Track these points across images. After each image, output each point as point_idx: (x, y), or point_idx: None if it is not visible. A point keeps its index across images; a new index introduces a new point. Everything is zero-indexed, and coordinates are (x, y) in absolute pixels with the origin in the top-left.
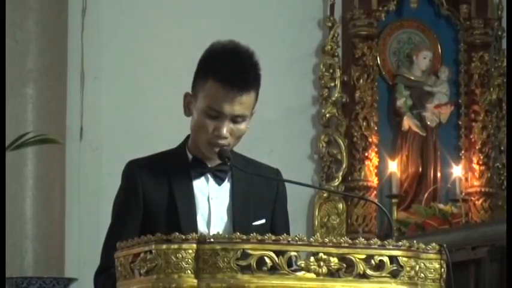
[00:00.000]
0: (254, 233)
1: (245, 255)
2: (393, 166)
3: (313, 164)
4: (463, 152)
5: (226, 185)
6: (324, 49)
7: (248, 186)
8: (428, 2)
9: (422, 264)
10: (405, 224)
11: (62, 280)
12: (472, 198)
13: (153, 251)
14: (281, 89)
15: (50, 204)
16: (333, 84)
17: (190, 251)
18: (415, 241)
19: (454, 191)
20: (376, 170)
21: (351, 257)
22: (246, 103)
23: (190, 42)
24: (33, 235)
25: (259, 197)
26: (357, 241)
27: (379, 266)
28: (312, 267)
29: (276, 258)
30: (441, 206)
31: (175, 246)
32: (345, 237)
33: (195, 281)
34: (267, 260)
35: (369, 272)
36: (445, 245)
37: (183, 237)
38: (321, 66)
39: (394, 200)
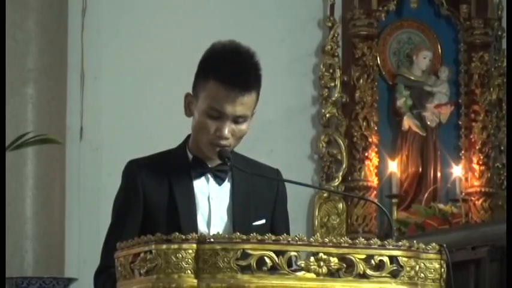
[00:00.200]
0: (254, 233)
1: (245, 255)
2: (393, 166)
3: (313, 164)
4: (463, 152)
5: (227, 185)
6: (324, 49)
7: (248, 187)
8: (428, 2)
9: (422, 264)
10: (405, 224)
11: (62, 280)
12: (472, 198)
13: (153, 251)
14: (281, 89)
15: (50, 204)
16: (333, 84)
17: (190, 251)
18: (415, 241)
19: (454, 191)
20: (376, 170)
21: (351, 257)
22: (248, 103)
23: (190, 42)
24: (33, 235)
25: (260, 197)
26: (357, 241)
27: (379, 266)
28: (312, 267)
29: (276, 258)
30: (441, 206)
31: (175, 246)
32: (345, 237)
33: (195, 281)
34: (267, 260)
35: (369, 272)
36: (445, 245)
37: (183, 237)
38: (321, 66)
39: (394, 200)
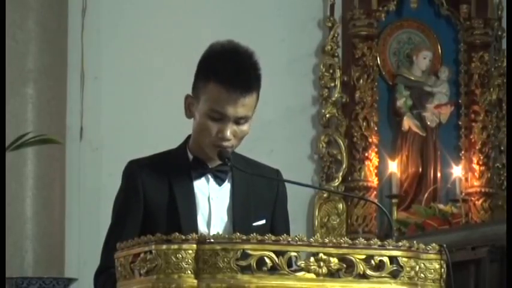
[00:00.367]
0: (254, 234)
1: (245, 255)
2: (393, 166)
3: (313, 164)
4: (463, 152)
5: (227, 185)
6: (324, 49)
7: (248, 187)
8: (428, 2)
9: (422, 264)
10: (405, 224)
11: (62, 280)
12: (472, 198)
13: (153, 251)
14: (281, 89)
15: (50, 204)
16: (333, 84)
17: (190, 251)
18: (415, 241)
19: (454, 191)
20: (376, 170)
21: (351, 257)
22: (249, 104)
23: (190, 42)
24: (33, 235)
25: (260, 197)
26: (357, 241)
27: (379, 266)
28: (312, 267)
29: (276, 259)
30: (441, 206)
31: (175, 246)
32: (345, 237)
33: (195, 281)
34: (267, 260)
35: (368, 272)
36: (445, 245)
37: (183, 237)
38: (321, 66)
39: (394, 200)
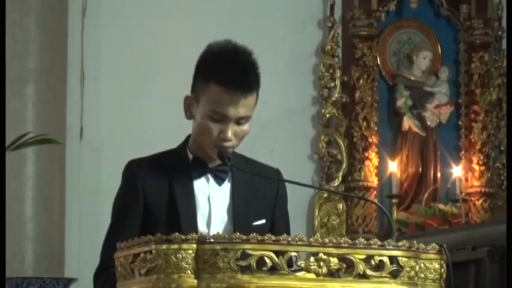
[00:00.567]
0: (254, 233)
1: (245, 255)
2: (393, 166)
3: (313, 164)
4: (463, 152)
5: (227, 185)
6: (324, 49)
7: (248, 186)
8: (428, 2)
9: (422, 264)
10: (405, 224)
11: (62, 280)
12: (472, 198)
13: (153, 251)
14: (281, 89)
15: (50, 204)
16: (333, 84)
17: (190, 251)
18: (415, 241)
19: (454, 191)
20: (376, 170)
21: (351, 257)
22: (249, 104)
23: (190, 42)
24: (33, 235)
25: (260, 197)
26: (357, 241)
27: (379, 266)
28: (312, 267)
29: (276, 259)
30: (441, 206)
31: (175, 246)
32: (345, 237)
33: (195, 281)
34: (267, 260)
35: (368, 272)
36: (445, 245)
37: (183, 237)
38: (321, 67)
39: (394, 200)
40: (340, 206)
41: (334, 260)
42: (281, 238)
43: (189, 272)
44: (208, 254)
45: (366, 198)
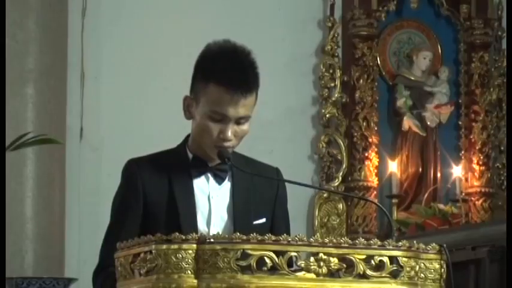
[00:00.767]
0: (254, 233)
1: (245, 255)
2: (393, 166)
3: (313, 164)
4: (463, 152)
5: (227, 184)
6: (324, 49)
7: (248, 185)
8: (428, 2)
9: (422, 264)
10: (405, 224)
11: (62, 280)
12: (472, 198)
13: (153, 251)
14: (281, 89)
15: (50, 204)
16: (333, 84)
17: (190, 251)
18: (415, 241)
19: (454, 191)
20: (376, 170)
21: (351, 257)
22: (249, 104)
23: (190, 42)
24: (33, 235)
25: (260, 195)
26: (357, 241)
27: (379, 266)
28: (312, 267)
29: (276, 259)
30: (441, 206)
31: (175, 246)
32: (345, 237)
33: (195, 281)
34: (267, 260)
35: (369, 272)
36: (445, 245)
37: (183, 237)
38: (321, 66)
39: (394, 200)
40: (340, 206)
41: (334, 260)
42: (281, 238)
43: (189, 272)
44: (208, 254)
45: (366, 198)
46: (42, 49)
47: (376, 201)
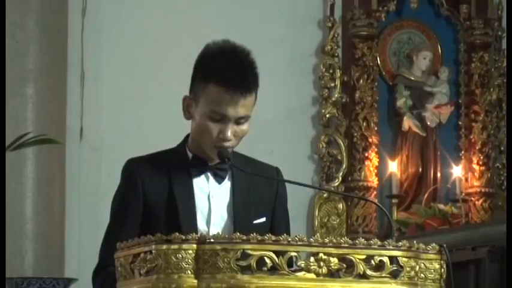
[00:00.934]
0: (254, 233)
1: (245, 255)
2: (393, 166)
3: (313, 164)
4: (463, 152)
5: (227, 183)
6: (324, 49)
7: (248, 185)
8: (428, 2)
9: (422, 264)
10: (405, 224)
11: (62, 280)
12: (472, 198)
13: (153, 251)
14: (281, 89)
15: (50, 204)
16: (333, 84)
17: (190, 251)
18: (415, 241)
19: (454, 191)
20: (376, 170)
21: (351, 257)
22: (249, 104)
23: (190, 42)
24: (33, 235)
25: (260, 195)
26: (357, 241)
27: (379, 266)
28: (312, 267)
29: (276, 259)
30: (441, 206)
31: (175, 246)
32: (345, 237)
33: (195, 281)
34: (267, 260)
35: (369, 272)
36: (445, 245)
37: (183, 237)
38: (321, 67)
39: (394, 200)
40: (340, 206)
41: (334, 260)
42: (281, 238)
43: (189, 272)
44: (208, 254)
45: (366, 198)
46: (42, 49)
47: (376, 201)
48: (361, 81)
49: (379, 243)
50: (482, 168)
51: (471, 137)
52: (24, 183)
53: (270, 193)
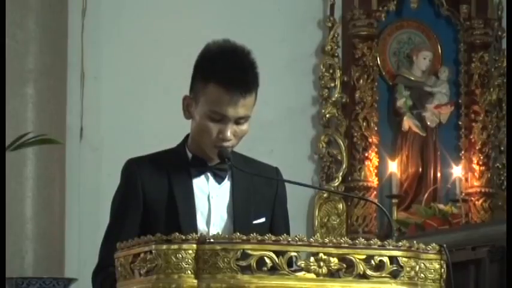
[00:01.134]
0: (254, 233)
1: (245, 255)
2: (393, 166)
3: (313, 164)
4: (463, 152)
5: (227, 183)
6: (324, 49)
7: (248, 185)
8: (428, 2)
9: (422, 264)
10: (405, 224)
11: (62, 280)
12: (472, 198)
13: (153, 251)
14: (281, 89)
15: (50, 204)
16: (333, 84)
17: (190, 252)
18: (415, 241)
19: (454, 191)
20: (376, 170)
21: (351, 257)
22: (248, 104)
23: (190, 42)
24: (33, 235)
25: (260, 195)
26: (357, 241)
27: (379, 266)
28: (312, 267)
29: (276, 259)
30: (441, 206)
31: (175, 246)
32: (345, 237)
33: (195, 281)
34: (267, 260)
35: (369, 272)
36: (445, 245)
37: (183, 237)
38: (321, 67)
39: (394, 200)
40: (340, 206)
41: (334, 260)
42: (281, 238)
43: (189, 272)
44: (208, 254)
45: (366, 198)
46: (42, 49)
47: (376, 201)
48: (361, 81)
49: (379, 243)
50: (482, 168)
51: (471, 137)
52: (24, 183)
53: (270, 193)
